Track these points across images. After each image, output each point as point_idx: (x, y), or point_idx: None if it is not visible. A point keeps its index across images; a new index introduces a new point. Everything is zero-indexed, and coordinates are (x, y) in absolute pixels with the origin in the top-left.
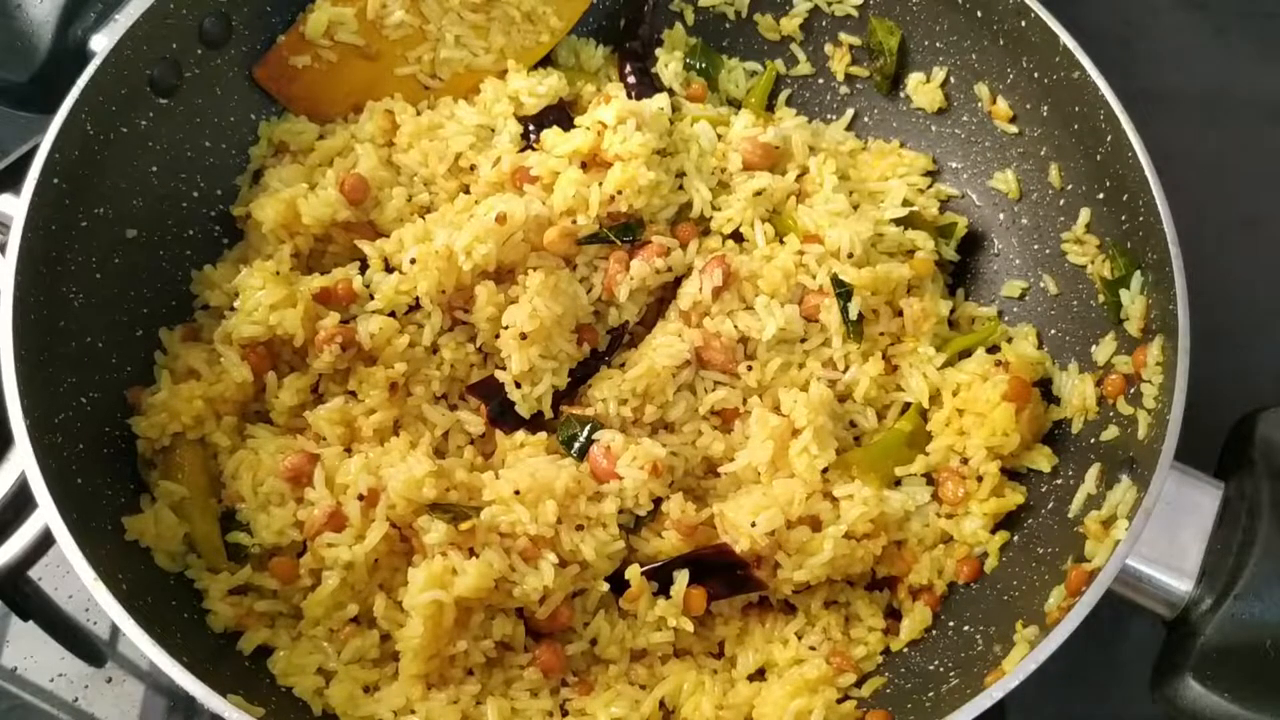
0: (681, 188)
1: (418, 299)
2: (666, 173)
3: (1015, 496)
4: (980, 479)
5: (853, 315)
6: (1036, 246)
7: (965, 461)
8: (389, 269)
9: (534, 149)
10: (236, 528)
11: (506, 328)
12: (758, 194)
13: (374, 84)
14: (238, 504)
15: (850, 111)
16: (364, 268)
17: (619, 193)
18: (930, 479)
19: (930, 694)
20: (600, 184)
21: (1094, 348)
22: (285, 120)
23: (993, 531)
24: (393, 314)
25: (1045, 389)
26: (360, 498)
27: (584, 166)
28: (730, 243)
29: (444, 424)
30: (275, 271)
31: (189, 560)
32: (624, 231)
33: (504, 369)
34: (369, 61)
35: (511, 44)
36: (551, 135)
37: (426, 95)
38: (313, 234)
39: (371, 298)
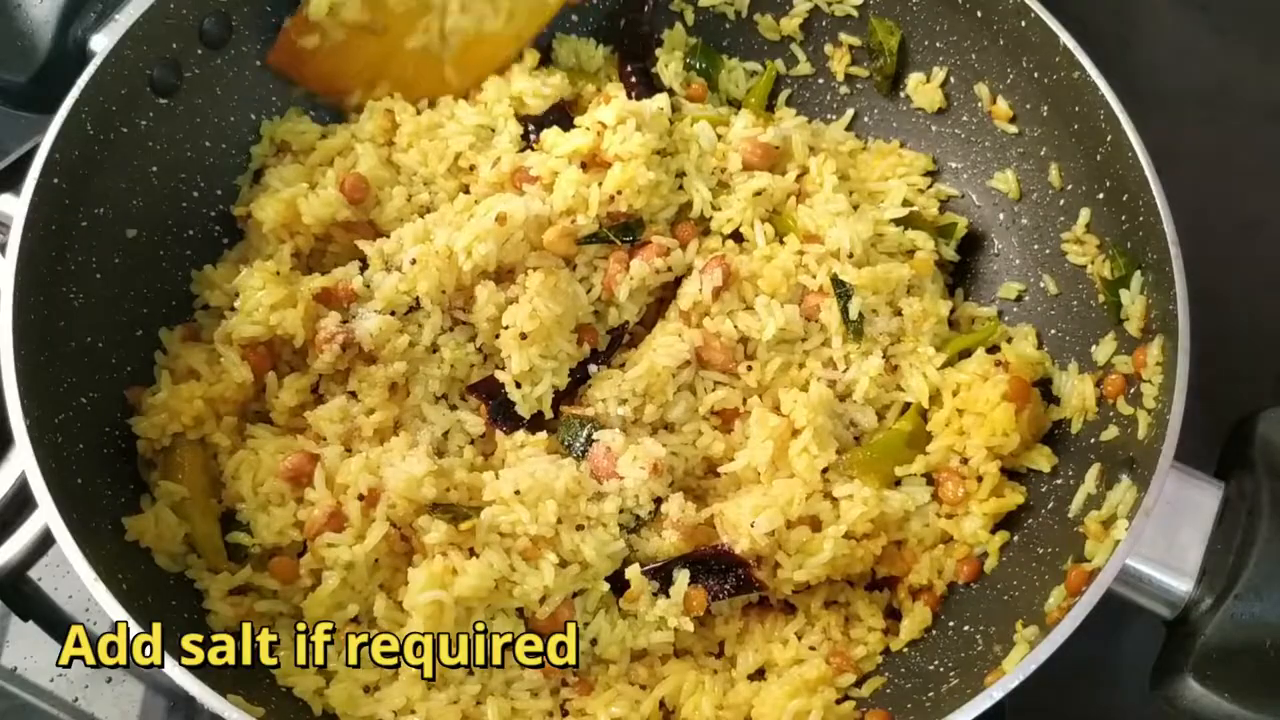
0: (681, 188)
1: (418, 299)
2: (666, 173)
3: (1015, 496)
4: (980, 479)
5: (853, 315)
6: (1036, 246)
7: (965, 461)
8: (389, 269)
9: (534, 149)
10: (237, 528)
11: (507, 328)
12: (758, 194)
13: (386, 58)
14: (238, 504)
15: (850, 111)
16: (364, 267)
17: (619, 193)
18: (930, 479)
19: (930, 694)
20: (600, 184)
21: (1094, 348)
22: (287, 120)
23: (993, 531)
24: (393, 314)
25: (1045, 389)
26: (360, 498)
27: (584, 167)
28: (730, 243)
29: (444, 424)
30: (275, 271)
31: (189, 560)
32: (624, 231)
33: (504, 369)
34: (378, 36)
35: (520, 5)
36: (551, 135)
37: (443, 67)
38: (313, 234)
39: (372, 298)
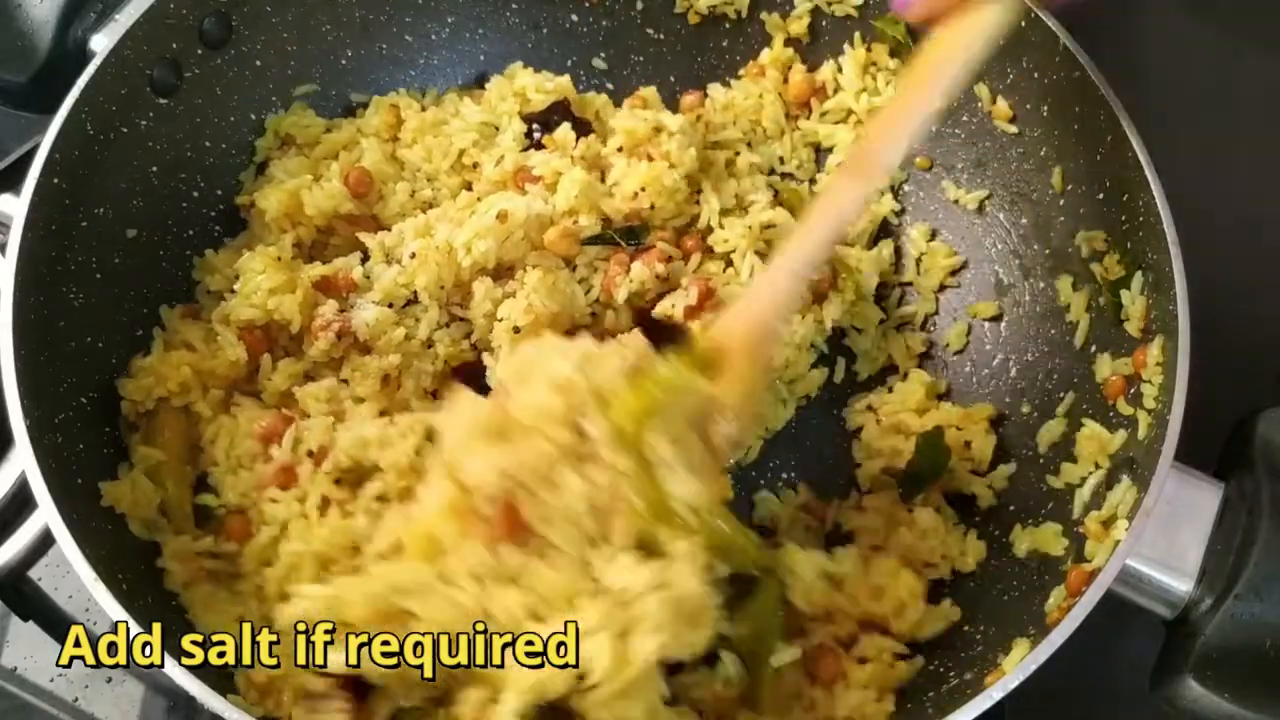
0: (698, 202)
1: (416, 293)
2: (689, 185)
3: (910, 666)
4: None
5: None
6: (1036, 246)
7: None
8: (389, 261)
9: (539, 148)
10: (209, 491)
11: (501, 320)
12: (765, 227)
13: None
14: (211, 468)
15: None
16: (365, 259)
17: (643, 189)
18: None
19: (930, 694)
20: (610, 187)
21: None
22: (291, 113)
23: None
24: (390, 306)
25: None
26: (309, 454)
27: (589, 168)
28: (731, 271)
29: None
30: (277, 257)
31: (160, 524)
32: (629, 235)
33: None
34: None
35: None
36: (563, 132)
37: None
38: (315, 225)
39: (371, 289)
